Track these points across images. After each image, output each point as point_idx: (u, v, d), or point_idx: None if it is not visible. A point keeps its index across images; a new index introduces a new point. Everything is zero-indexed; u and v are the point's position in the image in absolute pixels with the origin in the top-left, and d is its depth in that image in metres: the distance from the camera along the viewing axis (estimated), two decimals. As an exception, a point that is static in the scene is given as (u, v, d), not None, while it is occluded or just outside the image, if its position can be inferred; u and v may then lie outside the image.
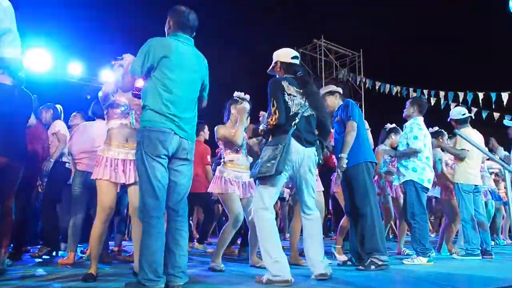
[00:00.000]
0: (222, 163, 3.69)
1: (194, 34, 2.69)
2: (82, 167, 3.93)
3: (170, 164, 2.50)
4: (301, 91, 3.01)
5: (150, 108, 2.44)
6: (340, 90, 4.09)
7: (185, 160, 2.54)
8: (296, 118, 2.92)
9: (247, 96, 3.77)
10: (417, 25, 15.96)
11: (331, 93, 4.01)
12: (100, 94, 3.04)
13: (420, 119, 4.34)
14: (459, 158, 4.77)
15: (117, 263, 3.84)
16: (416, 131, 4.24)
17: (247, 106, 3.71)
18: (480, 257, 4.57)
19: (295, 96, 2.98)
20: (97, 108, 4.03)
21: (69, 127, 4.81)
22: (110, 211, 2.91)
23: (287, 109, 2.93)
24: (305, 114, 2.98)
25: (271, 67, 3.25)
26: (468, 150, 4.69)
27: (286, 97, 2.94)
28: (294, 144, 2.87)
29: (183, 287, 2.45)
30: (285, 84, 2.98)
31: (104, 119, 3.86)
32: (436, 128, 5.30)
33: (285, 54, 3.17)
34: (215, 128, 3.70)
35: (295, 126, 2.90)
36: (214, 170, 5.89)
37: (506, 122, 5.40)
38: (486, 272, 3.56)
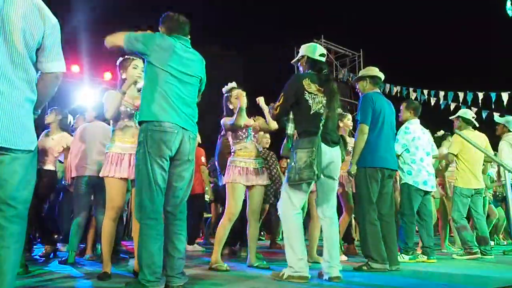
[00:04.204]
0: (232, 153, 3.67)
1: (189, 37, 2.68)
2: (86, 170, 3.91)
3: (171, 168, 2.48)
4: (322, 89, 3.00)
5: (150, 103, 2.42)
6: (372, 74, 3.86)
7: (187, 162, 2.52)
8: (322, 119, 2.92)
9: (233, 83, 3.72)
10: (417, 25, 15.96)
11: (361, 78, 3.91)
12: (105, 94, 3.05)
13: (413, 122, 4.34)
14: (449, 160, 4.87)
15: (117, 263, 3.83)
16: (400, 134, 4.26)
17: (239, 94, 3.67)
18: (479, 254, 4.58)
19: (316, 95, 2.97)
20: (95, 109, 4.03)
21: (73, 130, 4.77)
22: (119, 209, 2.94)
23: (307, 107, 2.93)
24: (330, 114, 2.97)
25: (296, 59, 3.27)
26: (455, 154, 4.74)
27: (307, 96, 2.94)
28: (322, 146, 2.86)
29: (183, 287, 2.46)
30: (306, 82, 2.97)
31: (102, 120, 3.86)
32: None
33: (313, 50, 3.16)
34: (221, 121, 3.69)
35: (322, 128, 2.89)
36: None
37: (497, 119, 5.45)
38: (486, 272, 3.56)
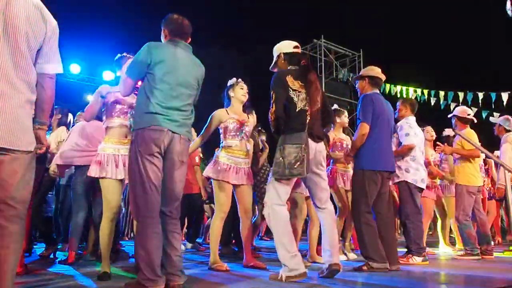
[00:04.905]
0: (220, 148, 3.62)
1: (190, 40, 2.68)
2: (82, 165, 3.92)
3: (164, 167, 2.47)
4: (304, 84, 2.97)
5: (142, 111, 2.43)
6: (372, 74, 3.82)
7: (177, 162, 2.51)
8: (307, 115, 2.91)
9: (240, 80, 3.74)
10: (417, 25, 15.97)
11: (360, 77, 3.89)
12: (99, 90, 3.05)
13: (411, 119, 4.31)
14: (473, 157, 4.70)
15: (117, 263, 3.83)
16: (407, 128, 4.20)
17: (244, 87, 3.71)
18: (480, 257, 4.57)
19: (300, 92, 2.94)
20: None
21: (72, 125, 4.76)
22: (116, 209, 2.94)
23: (292, 105, 2.90)
24: (314, 109, 2.96)
25: (273, 63, 3.23)
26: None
27: (291, 93, 2.91)
28: (309, 142, 2.88)
29: (183, 286, 2.45)
30: (289, 79, 2.93)
31: (100, 120, 3.86)
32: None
33: (286, 45, 3.15)
34: (215, 114, 3.64)
35: (308, 124, 2.88)
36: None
37: (492, 119, 5.41)
38: (486, 272, 3.56)
